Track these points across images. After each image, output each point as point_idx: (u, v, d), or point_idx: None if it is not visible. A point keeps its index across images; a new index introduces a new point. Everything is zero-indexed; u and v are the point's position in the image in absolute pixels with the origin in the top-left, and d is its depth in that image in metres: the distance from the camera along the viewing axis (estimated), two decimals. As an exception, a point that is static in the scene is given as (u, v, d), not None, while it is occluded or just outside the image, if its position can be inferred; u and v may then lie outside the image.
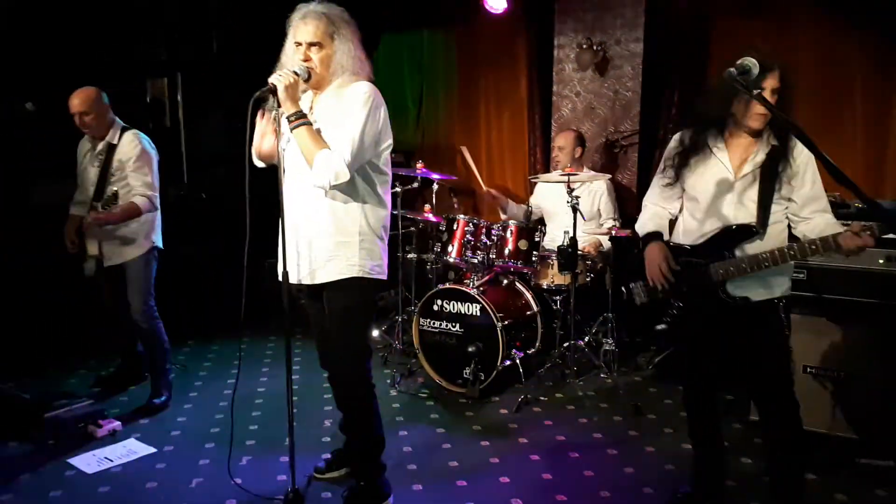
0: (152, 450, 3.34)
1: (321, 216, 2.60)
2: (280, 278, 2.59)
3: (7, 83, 4.57)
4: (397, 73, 6.16)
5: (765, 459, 2.75)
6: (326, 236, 2.61)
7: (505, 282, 4.44)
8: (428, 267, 4.69)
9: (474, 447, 3.43)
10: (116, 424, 3.53)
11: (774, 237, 2.52)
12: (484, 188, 5.01)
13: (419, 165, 4.66)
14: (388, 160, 2.72)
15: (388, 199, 2.75)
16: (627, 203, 4.98)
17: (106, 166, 3.66)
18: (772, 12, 4.44)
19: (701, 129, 2.59)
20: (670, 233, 2.79)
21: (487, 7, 5.19)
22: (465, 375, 4.00)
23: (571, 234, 3.95)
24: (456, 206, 5.37)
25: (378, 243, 2.70)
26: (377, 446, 2.88)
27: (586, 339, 4.43)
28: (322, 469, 3.07)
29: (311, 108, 2.64)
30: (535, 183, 5.06)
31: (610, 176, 4.69)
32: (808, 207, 2.51)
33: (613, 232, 4.34)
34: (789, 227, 2.59)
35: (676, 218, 2.81)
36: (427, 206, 4.77)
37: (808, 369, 3.26)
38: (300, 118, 2.48)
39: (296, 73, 2.48)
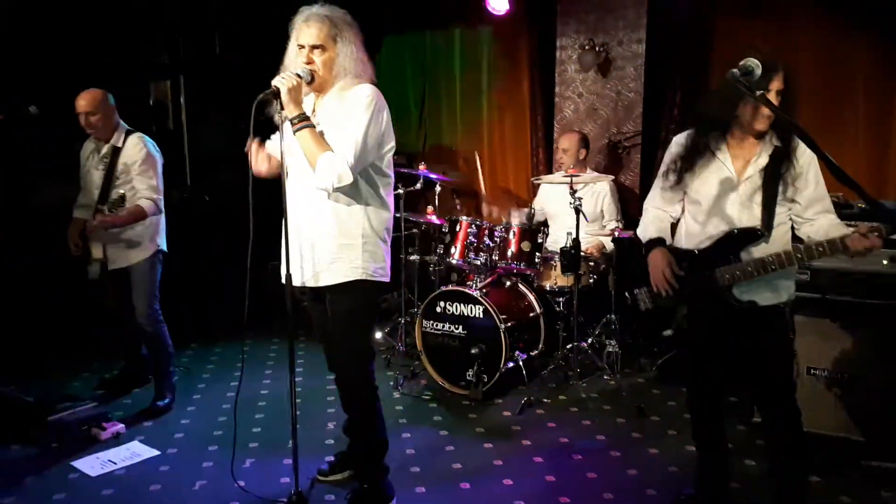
0: (156, 452, 3.35)
1: (324, 219, 2.61)
2: (283, 281, 2.59)
3: (9, 84, 4.57)
4: (400, 74, 6.17)
5: (768, 462, 2.75)
6: (329, 239, 2.61)
7: (508, 283, 4.44)
8: (431, 269, 4.69)
9: (477, 449, 3.42)
10: (120, 427, 3.53)
11: (779, 239, 2.50)
12: (486, 197, 4.98)
13: (422, 167, 4.66)
14: (391, 162, 2.72)
15: (390, 202, 2.75)
16: (630, 204, 4.98)
17: (111, 169, 3.65)
18: (773, 13, 4.44)
19: (704, 131, 2.57)
20: (672, 236, 2.77)
21: (489, 9, 5.19)
22: (468, 377, 4.00)
23: (574, 236, 3.94)
24: (459, 207, 5.37)
25: (381, 245, 2.70)
26: (380, 449, 2.88)
27: (589, 340, 4.42)
28: (325, 471, 3.06)
29: (313, 110, 2.64)
30: (538, 185, 5.06)
31: (613, 177, 4.68)
32: (812, 208, 2.49)
33: (616, 233, 4.33)
34: (792, 228, 2.57)
35: (678, 221, 2.78)
36: (430, 208, 4.77)
37: (812, 371, 3.25)
38: (303, 121, 2.48)
39: (298, 76, 2.49)
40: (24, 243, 4.65)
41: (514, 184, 5.77)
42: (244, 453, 3.32)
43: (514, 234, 4.23)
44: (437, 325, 4.17)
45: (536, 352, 4.34)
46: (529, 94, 5.54)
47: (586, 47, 5.06)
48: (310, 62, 2.55)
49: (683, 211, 2.74)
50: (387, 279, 2.76)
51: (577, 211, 3.91)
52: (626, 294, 2.85)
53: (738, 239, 2.50)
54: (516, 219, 4.93)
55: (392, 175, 2.75)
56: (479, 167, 5.00)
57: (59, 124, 4.03)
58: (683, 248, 2.67)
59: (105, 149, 3.70)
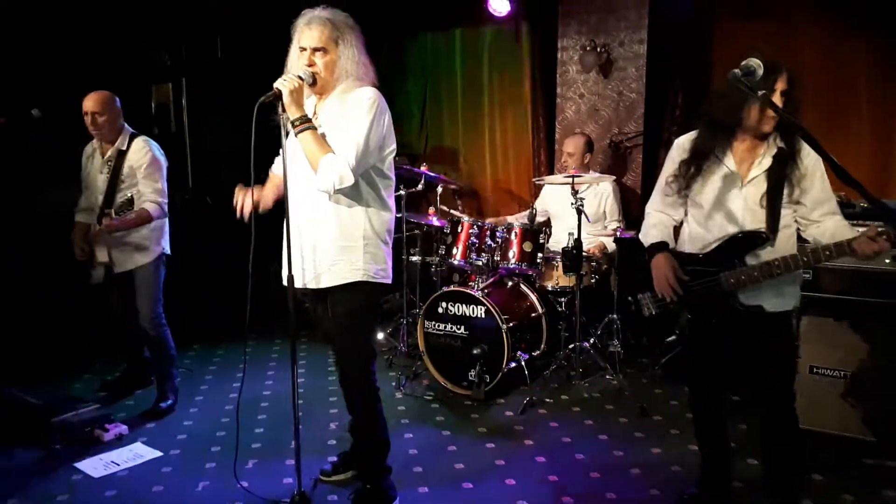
0: (158, 453, 3.35)
1: (325, 220, 2.61)
2: (284, 283, 2.60)
3: (12, 87, 4.59)
4: (401, 76, 6.18)
5: (762, 461, 2.75)
6: (331, 241, 2.62)
7: (510, 284, 4.44)
8: (432, 269, 4.70)
9: (480, 449, 3.42)
10: (123, 428, 3.54)
11: (784, 243, 2.47)
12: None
13: (423, 167, 4.66)
14: (392, 165, 2.72)
15: (392, 203, 2.76)
16: (632, 204, 4.98)
17: (115, 173, 3.65)
18: (774, 13, 4.44)
19: (710, 135, 2.51)
20: (675, 239, 2.74)
21: (491, 10, 5.20)
22: (470, 377, 4.00)
23: (576, 236, 3.95)
24: (460, 208, 5.38)
25: (382, 247, 2.71)
26: (382, 449, 2.88)
27: (591, 340, 4.42)
28: (328, 472, 3.07)
29: (314, 113, 2.65)
30: (541, 185, 5.06)
31: (615, 177, 4.68)
32: (817, 210, 2.45)
33: (618, 233, 4.34)
34: (798, 231, 2.53)
35: (681, 224, 2.75)
36: (431, 209, 4.78)
37: (815, 370, 3.24)
38: (305, 123, 2.49)
39: (300, 78, 2.49)
40: (25, 245, 4.66)
41: (516, 184, 5.78)
42: (247, 454, 3.32)
43: (516, 235, 4.23)
44: (439, 326, 4.18)
45: (538, 352, 4.34)
46: (531, 95, 5.54)
47: (588, 48, 5.06)
48: (311, 65, 2.55)
49: (686, 214, 2.70)
50: (388, 281, 2.76)
51: (579, 211, 3.92)
52: (630, 299, 2.81)
53: (743, 242, 2.47)
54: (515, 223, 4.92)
55: (393, 177, 2.75)
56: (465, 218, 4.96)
57: (60, 126, 4.05)
58: (687, 252, 2.63)
59: (110, 152, 3.70)
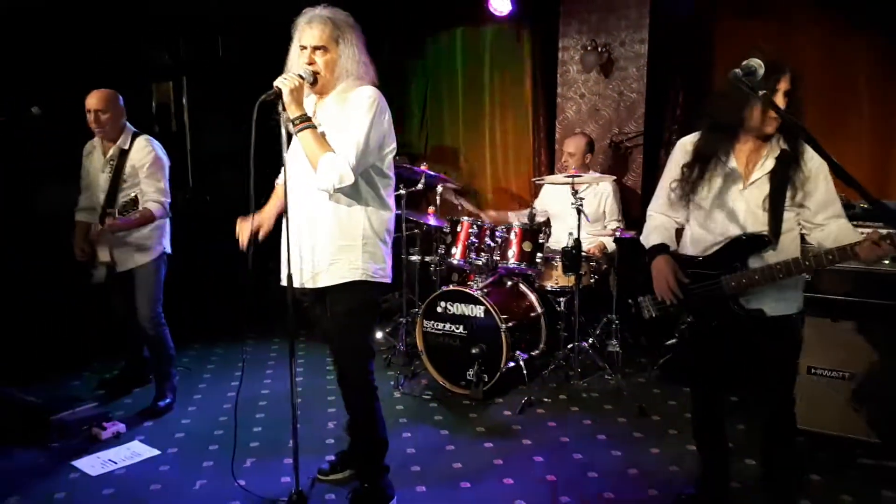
0: (156, 452, 3.35)
1: (324, 220, 2.61)
2: (283, 282, 2.60)
3: (11, 85, 4.59)
4: (402, 75, 6.18)
5: (760, 462, 2.75)
6: (330, 240, 2.61)
7: (509, 283, 4.44)
8: (432, 269, 4.70)
9: (478, 449, 3.42)
10: (120, 427, 3.53)
11: (787, 246, 2.43)
12: (481, 215, 4.95)
13: (423, 167, 4.66)
14: (392, 164, 2.72)
15: (391, 203, 2.76)
16: (632, 204, 4.98)
17: (118, 172, 3.64)
18: (774, 12, 4.44)
19: (711, 136, 2.49)
20: (677, 242, 2.71)
21: (492, 9, 5.20)
22: (468, 377, 4.00)
23: (575, 236, 3.94)
24: (460, 208, 5.37)
25: (381, 247, 2.71)
26: (380, 448, 2.88)
27: (590, 340, 4.42)
28: (326, 471, 3.07)
29: (314, 111, 2.65)
30: (541, 185, 5.06)
31: (615, 177, 4.68)
32: (822, 213, 2.41)
33: (618, 233, 4.34)
34: (802, 234, 2.50)
35: (683, 227, 2.72)
36: (431, 209, 4.77)
37: (813, 370, 3.24)
38: (305, 121, 2.49)
39: (301, 77, 2.49)
40: (24, 243, 4.66)
41: (516, 184, 5.78)
42: (245, 453, 3.32)
43: (516, 235, 4.23)
44: (437, 325, 4.18)
45: (537, 351, 4.35)
46: (531, 95, 5.54)
47: (588, 48, 5.06)
48: (312, 63, 2.55)
49: (689, 216, 2.66)
50: (387, 280, 2.76)
51: (578, 211, 3.92)
52: (630, 302, 2.78)
53: (745, 245, 2.44)
54: (515, 221, 4.91)
55: (393, 176, 2.75)
56: (463, 203, 4.99)
57: (60, 125, 4.04)
58: (688, 254, 2.61)
59: (112, 151, 3.69)
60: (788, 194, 2.40)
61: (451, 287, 4.23)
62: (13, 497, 2.94)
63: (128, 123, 3.75)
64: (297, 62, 2.60)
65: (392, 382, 4.24)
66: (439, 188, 4.86)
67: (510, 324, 3.98)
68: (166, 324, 3.83)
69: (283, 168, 2.56)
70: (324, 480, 3.04)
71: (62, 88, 4.33)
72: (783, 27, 4.39)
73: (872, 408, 3.14)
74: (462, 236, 4.30)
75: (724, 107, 2.43)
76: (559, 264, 4.27)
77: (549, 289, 4.40)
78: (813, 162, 2.37)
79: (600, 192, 4.67)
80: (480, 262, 4.23)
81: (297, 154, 2.60)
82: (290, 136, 2.58)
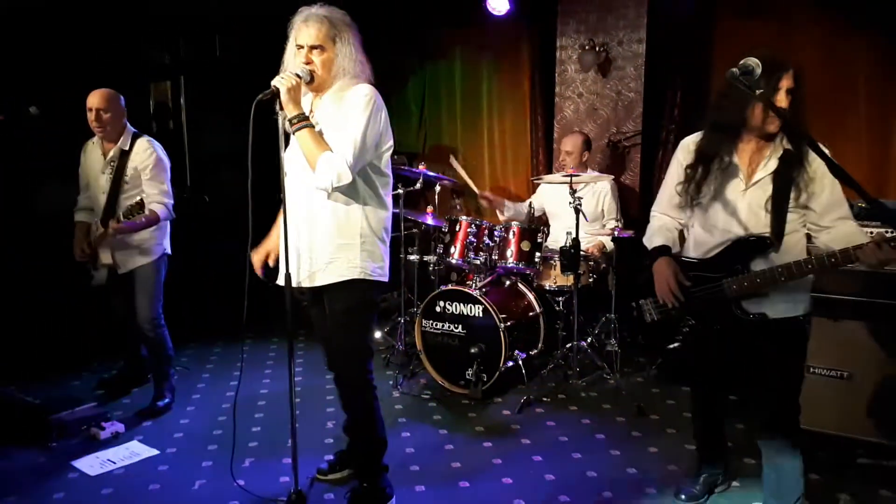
0: (155, 452, 3.35)
1: (322, 218, 2.61)
2: (280, 281, 2.59)
3: (10, 85, 4.58)
4: (400, 75, 6.18)
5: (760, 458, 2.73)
6: (328, 238, 2.61)
7: (507, 283, 4.44)
8: (430, 268, 4.70)
9: (477, 448, 3.42)
10: (119, 427, 3.53)
11: (791, 248, 2.38)
12: (478, 193, 4.97)
13: (421, 167, 4.66)
14: (389, 162, 2.72)
15: (389, 201, 2.75)
16: (630, 203, 4.98)
17: (119, 174, 3.63)
18: (773, 12, 4.44)
19: (714, 136, 2.45)
20: (682, 244, 2.68)
21: (490, 9, 5.20)
22: (467, 377, 4.00)
23: (574, 235, 3.94)
24: (458, 207, 5.37)
25: (379, 245, 2.70)
26: (379, 448, 2.88)
27: (589, 339, 4.42)
28: (325, 470, 3.07)
29: (311, 110, 2.65)
30: (538, 184, 5.06)
31: (613, 177, 4.68)
32: (828, 215, 2.35)
33: (616, 233, 4.34)
34: (809, 237, 2.45)
35: (686, 227, 2.69)
36: (429, 208, 4.77)
37: (812, 369, 3.24)
38: (302, 120, 2.49)
39: (298, 76, 2.49)
40: (24, 244, 4.65)
41: (515, 184, 5.78)
42: (243, 453, 3.32)
43: (514, 234, 4.23)
44: (436, 325, 4.18)
45: (536, 351, 4.35)
46: (529, 94, 5.54)
47: (586, 47, 5.06)
48: (309, 62, 2.55)
49: (692, 217, 2.63)
50: (385, 279, 2.75)
51: (577, 210, 3.91)
52: (634, 305, 2.75)
53: (746, 247, 2.40)
54: (511, 210, 4.92)
55: (391, 175, 2.75)
56: (461, 171, 4.95)
57: (59, 124, 4.03)
58: (690, 256, 2.59)
59: (112, 152, 3.67)
60: (792, 195, 2.35)
61: (449, 286, 4.23)
62: (12, 497, 2.94)
63: (128, 124, 3.74)
64: (293, 61, 2.59)
65: (391, 382, 4.24)
66: (437, 188, 4.84)
67: (509, 323, 3.98)
68: (165, 325, 3.83)
69: (281, 168, 2.55)
70: (323, 480, 3.04)
71: (61, 88, 4.33)
72: (783, 27, 4.39)
73: (871, 407, 3.14)
74: (460, 236, 4.30)
75: (726, 106, 2.40)
76: (557, 264, 4.27)
77: (548, 288, 4.40)
78: (817, 162, 2.30)
79: (598, 191, 4.67)
80: (479, 262, 4.23)
81: (294, 153, 2.60)
82: (287, 136, 2.58)
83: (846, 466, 3.10)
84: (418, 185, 4.70)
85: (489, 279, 4.32)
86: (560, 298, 4.39)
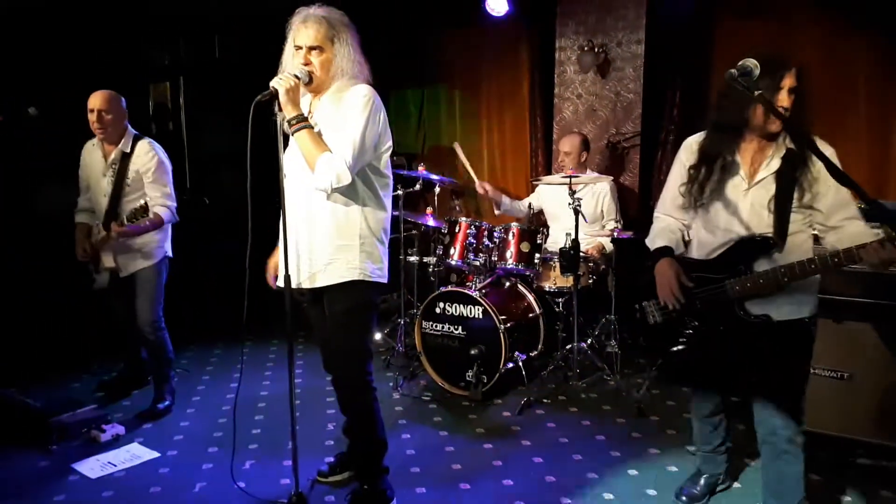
0: (156, 454, 3.34)
1: (321, 220, 2.61)
2: (280, 283, 2.59)
3: (9, 85, 4.58)
4: (399, 76, 6.17)
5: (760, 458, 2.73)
6: (327, 240, 2.61)
7: (507, 284, 4.44)
8: (430, 270, 4.70)
9: (477, 449, 3.42)
10: (120, 429, 3.53)
11: (796, 249, 2.35)
12: (476, 182, 4.94)
13: (421, 168, 4.66)
14: (388, 163, 2.72)
15: (388, 202, 2.75)
16: (629, 204, 4.98)
17: (121, 177, 3.62)
18: (773, 12, 4.44)
19: (716, 136, 2.45)
20: (685, 245, 2.66)
21: (489, 10, 5.20)
22: (467, 378, 4.00)
23: (573, 237, 3.94)
24: (458, 208, 5.37)
25: (378, 246, 2.70)
26: (379, 449, 2.88)
27: (589, 341, 4.42)
28: (325, 472, 3.07)
29: (310, 111, 2.65)
30: (537, 185, 5.06)
31: (612, 177, 4.68)
32: (835, 216, 2.32)
33: (615, 234, 4.33)
34: (816, 238, 2.42)
35: (690, 228, 2.68)
36: (429, 209, 4.77)
37: (813, 370, 3.23)
38: (301, 121, 2.49)
39: (296, 77, 2.49)
40: (24, 244, 4.65)
41: (514, 185, 5.78)
42: (244, 455, 3.31)
43: (514, 235, 4.23)
44: (436, 326, 4.17)
45: (536, 352, 4.34)
46: (529, 96, 5.54)
47: (585, 48, 5.06)
48: (307, 63, 2.54)
49: (696, 217, 2.61)
50: (384, 280, 2.75)
51: (576, 212, 3.91)
52: (636, 307, 2.73)
53: (749, 248, 2.38)
54: (507, 206, 4.91)
55: (390, 175, 2.75)
56: (464, 159, 4.92)
57: (59, 125, 4.02)
58: (693, 257, 2.58)
59: (113, 154, 3.66)
60: (795, 195, 2.32)
61: (449, 288, 4.23)
62: (12, 500, 2.93)
63: (129, 126, 3.73)
64: (291, 62, 2.59)
65: (391, 383, 4.24)
66: (436, 189, 4.83)
67: (509, 324, 3.98)
68: (166, 328, 3.83)
69: (280, 168, 2.55)
70: (323, 482, 3.04)
71: (61, 88, 4.32)
72: (783, 27, 4.39)
73: (872, 408, 3.13)
74: (460, 237, 4.30)
75: (727, 106, 2.39)
76: (557, 265, 4.27)
77: (548, 289, 4.39)
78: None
79: (598, 192, 4.67)
80: (478, 263, 4.23)
81: (294, 154, 2.59)
82: (286, 137, 2.58)
83: (847, 467, 3.10)
84: (418, 187, 4.69)
85: (489, 280, 4.32)
86: (560, 300, 4.39)
